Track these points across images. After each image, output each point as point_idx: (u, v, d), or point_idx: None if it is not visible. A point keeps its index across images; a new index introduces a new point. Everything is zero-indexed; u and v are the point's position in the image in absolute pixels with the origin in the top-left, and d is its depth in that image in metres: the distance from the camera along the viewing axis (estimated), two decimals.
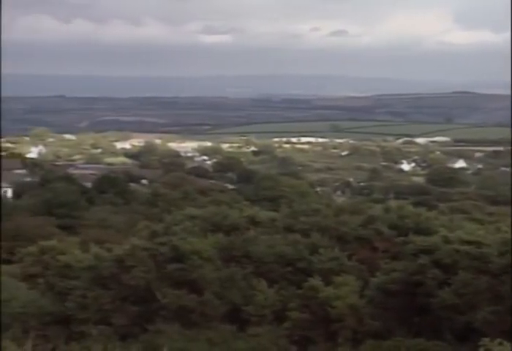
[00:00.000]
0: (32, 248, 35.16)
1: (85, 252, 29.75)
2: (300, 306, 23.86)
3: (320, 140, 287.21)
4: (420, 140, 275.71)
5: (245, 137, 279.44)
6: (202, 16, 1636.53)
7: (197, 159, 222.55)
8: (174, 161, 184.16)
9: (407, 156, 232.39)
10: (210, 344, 22.38)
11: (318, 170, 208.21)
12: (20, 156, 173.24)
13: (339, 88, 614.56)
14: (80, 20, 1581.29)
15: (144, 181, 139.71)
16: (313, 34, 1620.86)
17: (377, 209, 35.23)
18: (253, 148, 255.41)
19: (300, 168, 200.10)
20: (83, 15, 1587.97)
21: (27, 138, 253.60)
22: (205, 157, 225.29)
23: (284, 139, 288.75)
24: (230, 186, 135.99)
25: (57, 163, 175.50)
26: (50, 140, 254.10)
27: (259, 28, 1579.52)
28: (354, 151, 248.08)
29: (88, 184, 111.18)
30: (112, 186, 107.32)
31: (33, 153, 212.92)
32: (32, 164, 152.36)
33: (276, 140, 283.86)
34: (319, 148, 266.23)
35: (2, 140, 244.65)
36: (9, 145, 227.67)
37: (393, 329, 23.59)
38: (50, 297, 27.14)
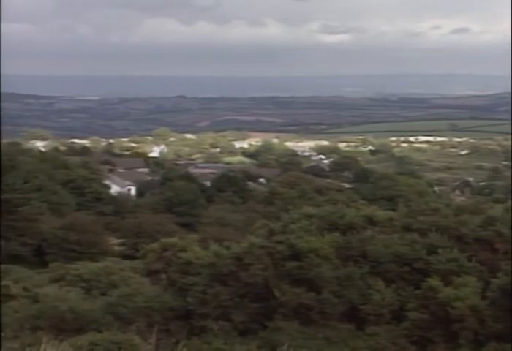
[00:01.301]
0: (155, 245, 36.26)
1: (205, 249, 30.34)
2: (419, 306, 23.65)
3: (439, 139, 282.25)
4: None
5: (362, 137, 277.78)
6: (321, 16, 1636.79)
7: (314, 158, 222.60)
8: (291, 160, 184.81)
9: None
10: (328, 343, 22.50)
11: (436, 169, 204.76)
12: (143, 155, 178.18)
13: (459, 86, 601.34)
14: (202, 22, 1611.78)
15: (262, 180, 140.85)
16: (434, 32, 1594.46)
17: (498, 209, 34.37)
18: (370, 147, 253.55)
19: (418, 167, 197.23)
20: (206, 17, 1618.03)
21: (150, 138, 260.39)
22: (322, 156, 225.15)
23: (402, 138, 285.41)
24: (347, 185, 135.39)
25: (178, 162, 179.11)
26: (172, 139, 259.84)
27: (378, 27, 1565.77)
28: (474, 150, 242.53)
29: (207, 183, 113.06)
30: (230, 184, 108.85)
31: (155, 152, 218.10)
32: (154, 163, 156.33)
33: (393, 139, 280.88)
34: (437, 147, 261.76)
35: (126, 139, 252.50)
36: (132, 144, 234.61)
37: None
38: (171, 293, 27.85)
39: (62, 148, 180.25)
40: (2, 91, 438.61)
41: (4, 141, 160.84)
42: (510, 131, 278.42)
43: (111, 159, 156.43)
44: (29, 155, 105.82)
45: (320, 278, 25.09)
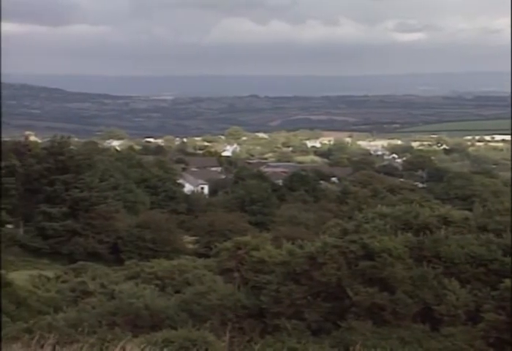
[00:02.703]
0: (228, 244, 36.52)
1: (278, 248, 30.45)
2: (496, 307, 23.27)
3: None
4: None
5: (436, 136, 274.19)
6: (396, 14, 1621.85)
7: (386, 157, 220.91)
8: (364, 160, 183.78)
9: None
10: (402, 343, 22.33)
11: None
12: (216, 154, 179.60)
13: None
14: (276, 21, 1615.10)
15: (334, 179, 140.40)
16: None
17: None
18: (444, 146, 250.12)
19: (494, 166, 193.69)
20: (280, 17, 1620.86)
21: (222, 137, 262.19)
22: (395, 155, 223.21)
23: (477, 137, 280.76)
24: (420, 185, 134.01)
25: (250, 161, 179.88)
26: (244, 138, 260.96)
27: (455, 25, 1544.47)
28: None
29: (280, 182, 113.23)
30: (302, 183, 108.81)
31: (228, 151, 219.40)
32: (227, 162, 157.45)
33: (468, 138, 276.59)
34: None
35: (199, 138, 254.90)
36: (205, 143, 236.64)
37: None
38: (245, 291, 28.04)
39: (137, 147, 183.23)
40: (81, 91, 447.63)
41: (82, 140, 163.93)
42: None
43: (184, 157, 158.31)
44: (106, 154, 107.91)
45: (393, 278, 24.94)
